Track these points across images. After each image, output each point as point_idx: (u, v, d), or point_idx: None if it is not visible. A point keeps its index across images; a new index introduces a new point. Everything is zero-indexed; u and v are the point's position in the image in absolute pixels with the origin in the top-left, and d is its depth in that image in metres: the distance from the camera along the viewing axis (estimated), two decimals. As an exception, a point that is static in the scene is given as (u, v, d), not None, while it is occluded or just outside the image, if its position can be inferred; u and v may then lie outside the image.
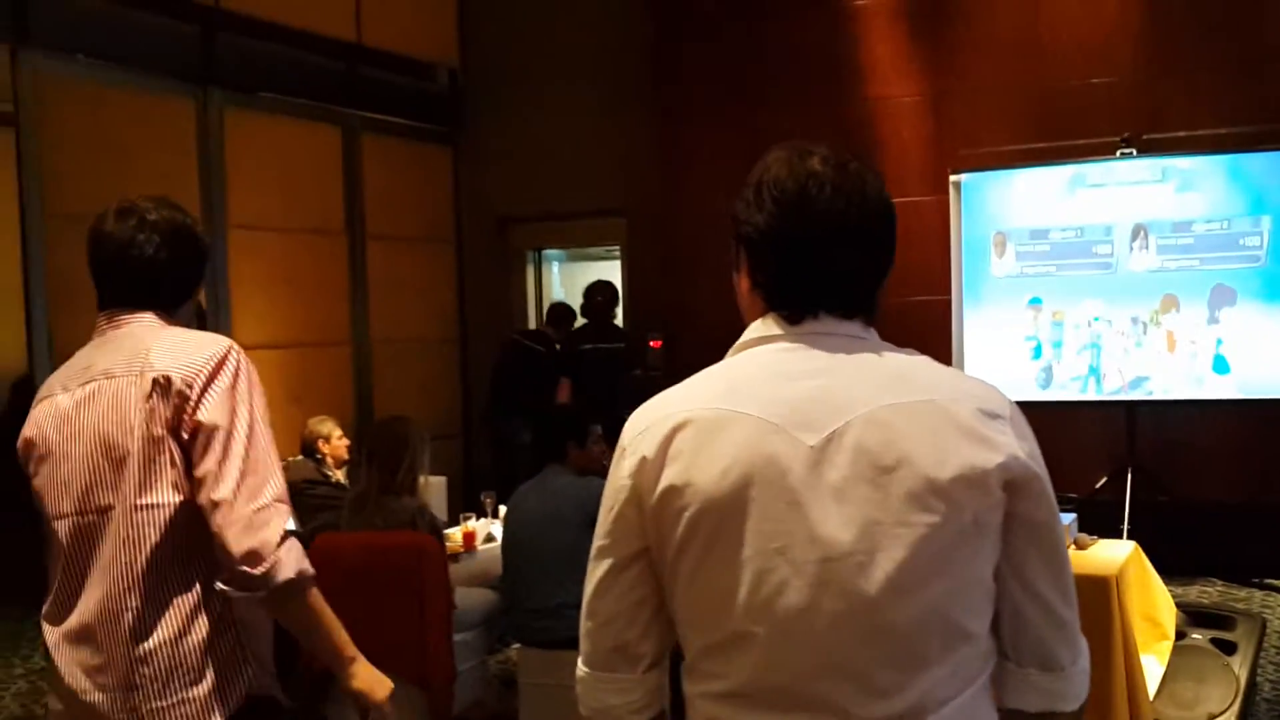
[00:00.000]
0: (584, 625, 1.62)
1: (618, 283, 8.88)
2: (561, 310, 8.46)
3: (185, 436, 2.09)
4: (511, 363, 8.12)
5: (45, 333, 6.05)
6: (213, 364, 2.12)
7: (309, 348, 7.88)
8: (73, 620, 2.13)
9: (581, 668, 1.63)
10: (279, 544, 2.06)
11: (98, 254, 2.24)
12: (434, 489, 5.80)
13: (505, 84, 9.00)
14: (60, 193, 6.16)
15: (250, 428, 2.11)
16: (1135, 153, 6.80)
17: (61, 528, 2.16)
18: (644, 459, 1.53)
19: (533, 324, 9.26)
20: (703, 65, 8.29)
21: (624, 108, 8.55)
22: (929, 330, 7.00)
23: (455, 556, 5.38)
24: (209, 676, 2.12)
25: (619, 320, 8.58)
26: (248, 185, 7.20)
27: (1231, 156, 6.62)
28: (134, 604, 2.08)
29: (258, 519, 2.05)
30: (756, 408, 1.48)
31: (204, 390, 2.10)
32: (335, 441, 5.98)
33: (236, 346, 2.18)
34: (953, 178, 7.10)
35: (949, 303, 7.12)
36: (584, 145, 8.66)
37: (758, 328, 1.59)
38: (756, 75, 8.09)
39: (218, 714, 2.12)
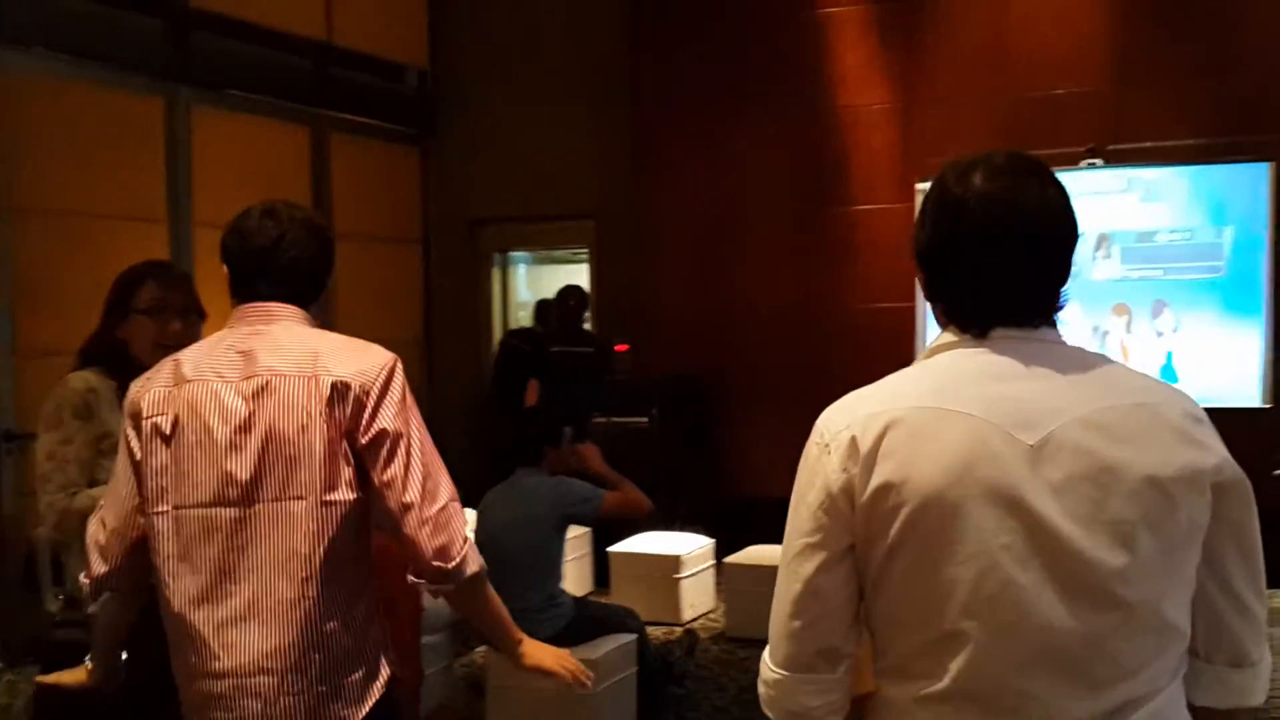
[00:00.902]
0: (787, 625, 1.59)
1: (586, 286, 8.91)
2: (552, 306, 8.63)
3: (363, 441, 2.22)
4: (505, 363, 8.22)
5: (9, 328, 5.98)
6: (385, 373, 2.26)
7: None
8: (235, 605, 2.19)
9: (778, 671, 1.60)
10: (464, 540, 2.26)
11: (245, 247, 2.32)
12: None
13: (476, 85, 8.98)
14: (26, 189, 6.09)
15: (422, 434, 2.27)
16: (1101, 163, 6.89)
17: (194, 515, 2.21)
18: (854, 453, 1.53)
19: (498, 327, 9.26)
20: (676, 69, 8.31)
21: (596, 111, 8.56)
22: (894, 336, 7.06)
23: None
24: (368, 661, 2.27)
25: (587, 324, 8.61)
26: (215, 184, 7.14)
27: (1195, 168, 6.71)
28: (312, 593, 2.18)
29: (442, 518, 2.23)
30: (972, 406, 1.51)
31: (380, 398, 2.23)
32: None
33: (396, 357, 2.31)
34: (919, 186, 7.15)
35: (914, 309, 7.18)
36: (554, 148, 8.66)
37: (949, 335, 1.61)
38: (729, 81, 8.13)
39: (373, 695, 2.27)
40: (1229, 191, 6.63)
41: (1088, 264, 6.84)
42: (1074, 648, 1.46)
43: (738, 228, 8.12)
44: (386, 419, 2.21)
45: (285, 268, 2.31)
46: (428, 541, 2.20)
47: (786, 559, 1.60)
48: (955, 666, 1.49)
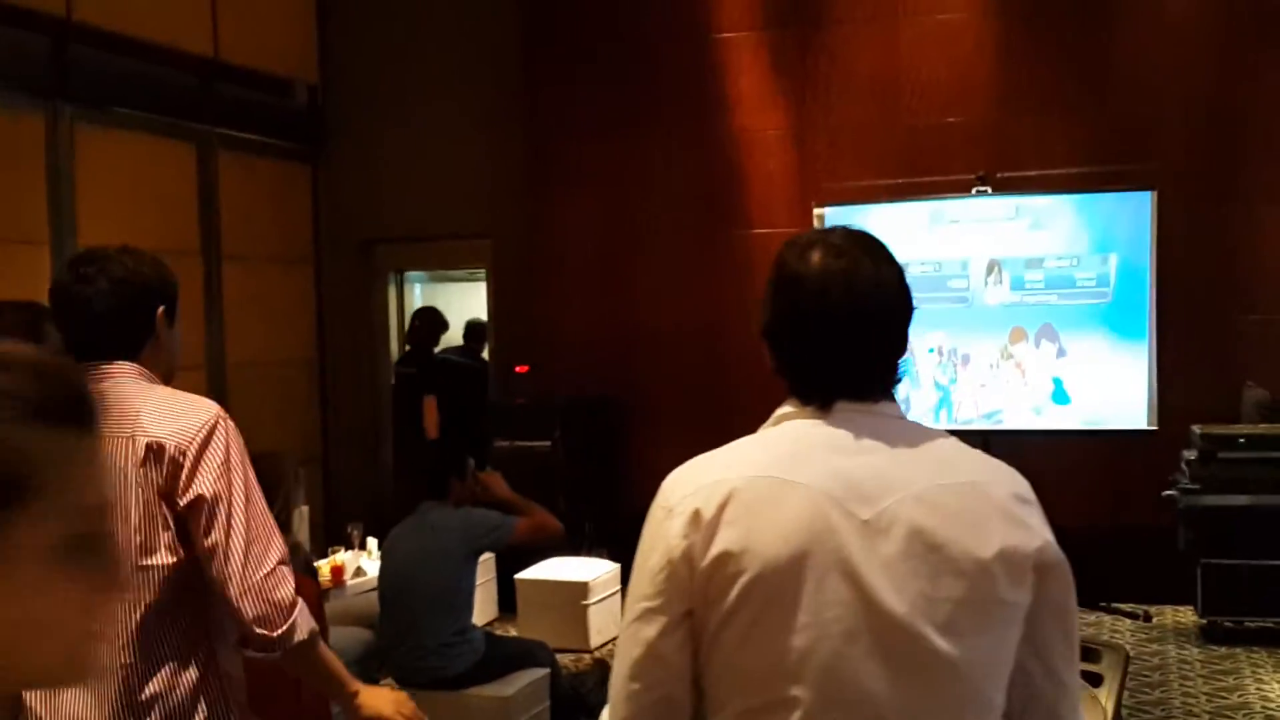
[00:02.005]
0: (627, 688, 1.60)
1: (483, 305, 8.86)
2: (479, 327, 8.84)
3: (181, 504, 2.17)
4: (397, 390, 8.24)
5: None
6: (205, 432, 2.20)
7: (161, 371, 7.58)
8: None
9: None
10: (291, 607, 2.21)
11: (57, 308, 2.34)
12: (297, 519, 5.66)
13: (367, 101, 8.84)
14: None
15: (247, 495, 2.21)
16: (990, 190, 7.05)
17: None
18: (697, 521, 1.56)
19: (395, 347, 9.13)
20: (572, 88, 8.29)
21: (490, 129, 8.49)
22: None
23: (325, 593, 5.26)
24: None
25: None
26: (99, 204, 6.91)
27: (1080, 196, 6.92)
28: (128, 659, 2.15)
29: (268, 585, 2.18)
30: (811, 479, 1.55)
31: (198, 459, 2.18)
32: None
33: (223, 413, 2.24)
34: (816, 210, 7.24)
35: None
36: (449, 166, 8.57)
37: (791, 405, 1.66)
38: (626, 100, 8.13)
39: None
40: (1113, 219, 6.84)
41: (980, 289, 7.00)
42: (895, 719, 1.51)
43: (637, 248, 8.13)
44: (205, 483, 2.17)
45: (94, 326, 2.28)
46: (250, 610, 2.17)
47: (627, 621, 1.63)
48: None
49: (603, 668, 5.83)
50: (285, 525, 4.61)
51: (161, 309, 2.36)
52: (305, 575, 4.53)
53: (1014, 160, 7.31)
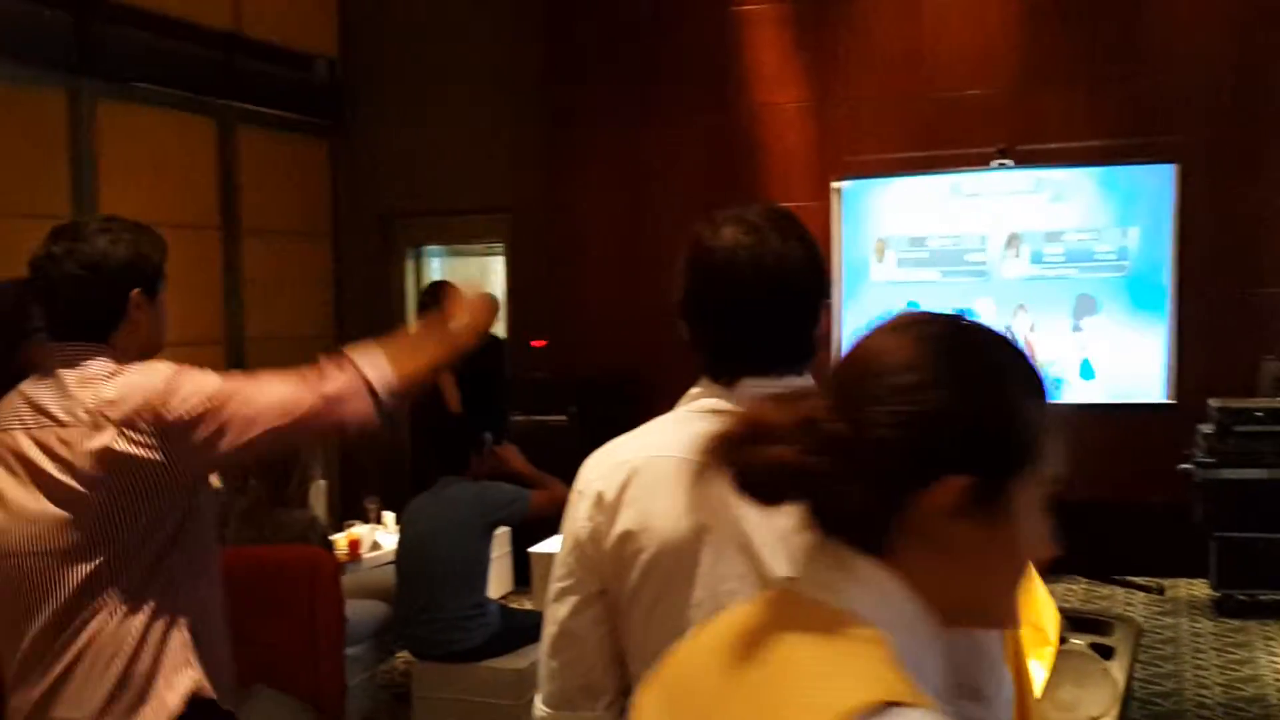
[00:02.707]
0: (547, 665, 1.65)
1: (501, 280, 8.85)
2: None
3: (180, 445, 2.18)
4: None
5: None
6: (160, 388, 2.19)
7: (181, 346, 7.54)
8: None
9: (541, 708, 1.67)
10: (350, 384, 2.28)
11: (36, 286, 2.29)
12: (314, 493, 5.71)
13: (387, 77, 8.85)
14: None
15: (237, 388, 2.23)
16: (1010, 164, 7.01)
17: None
18: (600, 503, 1.61)
19: (413, 323, 9.16)
20: (593, 65, 8.27)
21: (510, 103, 8.48)
22: (812, 334, 7.11)
23: (342, 566, 5.30)
24: (159, 678, 2.22)
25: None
26: (121, 179, 6.95)
27: (1101, 169, 6.87)
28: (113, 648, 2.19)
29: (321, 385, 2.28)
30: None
31: (161, 408, 2.17)
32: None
33: (177, 371, 2.26)
34: (834, 184, 7.23)
35: (829, 306, 7.24)
36: (468, 141, 8.57)
37: (701, 385, 1.69)
38: (646, 77, 8.11)
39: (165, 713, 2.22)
40: (1135, 192, 6.80)
41: (999, 263, 6.97)
42: None
43: (656, 223, 8.12)
44: (179, 408, 2.17)
45: (63, 309, 2.27)
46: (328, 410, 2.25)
47: (546, 601, 1.68)
48: None
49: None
50: (302, 500, 4.67)
51: (136, 291, 2.30)
52: (322, 548, 4.58)
53: (1035, 133, 7.26)
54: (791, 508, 1.49)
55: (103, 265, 2.26)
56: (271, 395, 2.23)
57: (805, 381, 1.64)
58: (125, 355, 2.28)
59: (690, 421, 1.63)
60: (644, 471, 1.59)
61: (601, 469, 1.64)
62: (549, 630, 1.65)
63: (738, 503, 1.51)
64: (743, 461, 1.09)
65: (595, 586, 1.62)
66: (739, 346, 1.64)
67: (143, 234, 2.35)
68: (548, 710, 1.67)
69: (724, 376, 1.64)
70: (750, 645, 1.05)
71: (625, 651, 1.64)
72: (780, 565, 1.51)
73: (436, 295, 8.21)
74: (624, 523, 1.58)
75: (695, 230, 1.67)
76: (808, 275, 1.64)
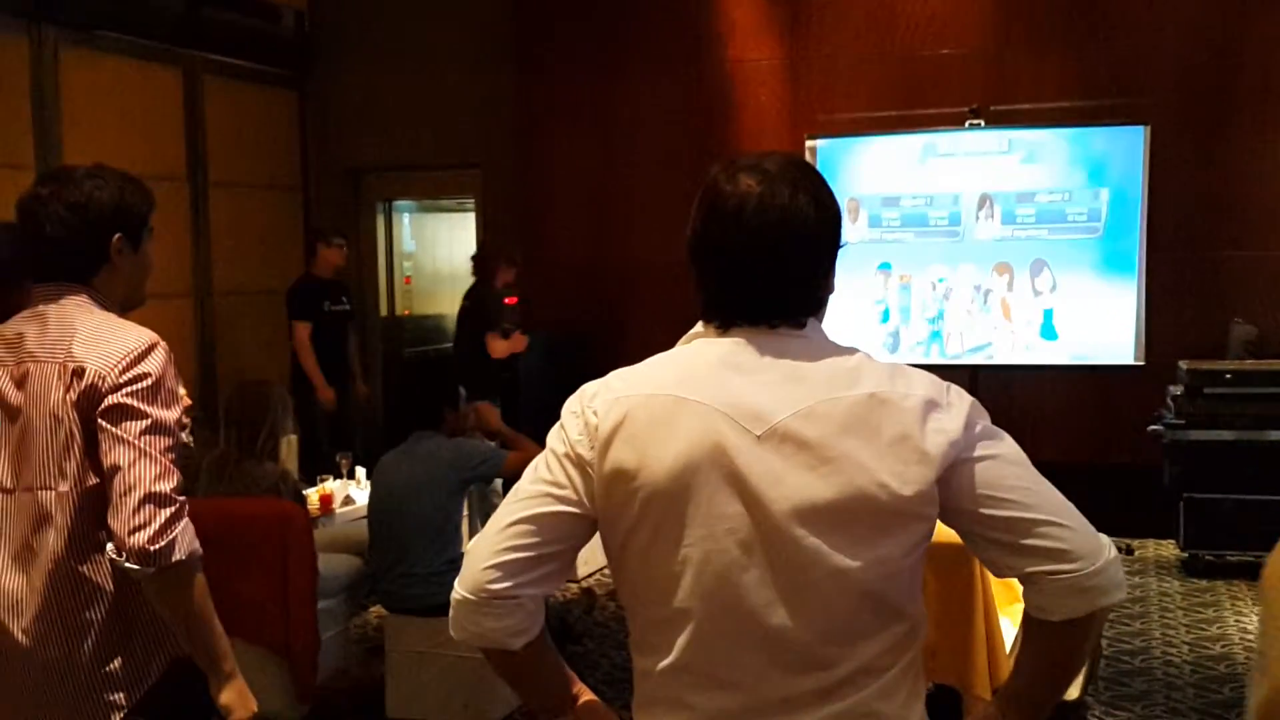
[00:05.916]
0: (486, 554, 1.62)
1: (471, 236, 8.77)
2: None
3: (99, 423, 2.19)
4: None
5: None
6: (128, 360, 2.21)
7: (149, 299, 7.54)
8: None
9: (460, 592, 1.66)
10: (172, 521, 2.14)
11: (21, 226, 2.33)
12: (285, 448, 5.68)
13: (355, 28, 8.73)
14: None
15: (155, 423, 2.19)
16: (983, 124, 7.01)
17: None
18: (594, 428, 1.60)
19: (381, 278, 9.10)
20: (564, 19, 8.19)
21: (480, 58, 8.39)
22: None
23: (314, 520, 5.28)
24: (136, 650, 2.28)
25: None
26: (85, 129, 6.84)
27: (1073, 130, 6.88)
28: (55, 586, 2.22)
29: (155, 497, 2.14)
30: (706, 396, 1.58)
31: (114, 386, 2.19)
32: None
33: (157, 344, 2.25)
34: (808, 143, 7.20)
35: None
36: (438, 94, 8.48)
37: (700, 326, 1.68)
38: (618, 31, 8.04)
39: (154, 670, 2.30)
40: (1106, 153, 6.80)
41: (971, 223, 6.98)
42: (792, 625, 1.55)
43: (627, 180, 8.08)
44: (118, 399, 2.17)
45: (47, 249, 2.30)
46: (128, 520, 2.12)
47: (515, 497, 1.64)
48: (680, 642, 1.59)
49: (590, 596, 5.88)
50: (273, 453, 4.64)
51: (119, 236, 2.33)
52: (294, 502, 4.55)
53: (1007, 94, 7.27)
54: (787, 451, 1.53)
55: (88, 207, 2.30)
56: None
57: (806, 334, 1.63)
58: (108, 302, 2.33)
59: (684, 362, 1.64)
60: (640, 410, 1.59)
61: (598, 402, 1.62)
62: (499, 518, 1.63)
63: (734, 444, 1.55)
64: None
65: (570, 499, 1.61)
66: (736, 294, 1.63)
67: (130, 183, 2.38)
68: (464, 594, 1.65)
69: (717, 321, 1.65)
70: None
71: (618, 587, 1.66)
72: (777, 505, 1.53)
73: (476, 258, 7.79)
74: (618, 459, 1.58)
75: (713, 173, 1.65)
76: (814, 229, 1.62)
